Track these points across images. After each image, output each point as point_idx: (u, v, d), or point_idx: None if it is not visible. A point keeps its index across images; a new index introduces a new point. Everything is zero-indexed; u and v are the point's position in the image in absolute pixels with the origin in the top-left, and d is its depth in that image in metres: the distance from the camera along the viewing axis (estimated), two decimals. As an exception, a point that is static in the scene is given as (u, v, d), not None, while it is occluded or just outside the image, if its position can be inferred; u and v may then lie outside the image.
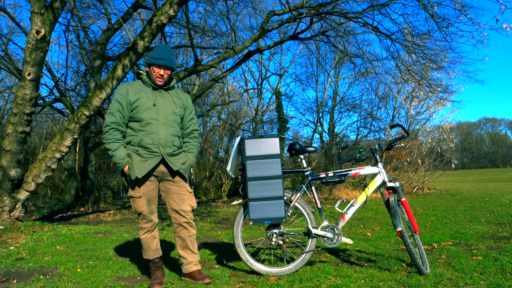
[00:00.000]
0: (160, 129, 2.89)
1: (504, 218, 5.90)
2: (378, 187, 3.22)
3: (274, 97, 16.49)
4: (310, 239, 3.14)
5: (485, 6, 30.59)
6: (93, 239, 4.93)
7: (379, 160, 3.25)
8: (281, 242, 3.14)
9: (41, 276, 3.17)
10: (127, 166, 2.87)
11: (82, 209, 8.22)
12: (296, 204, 3.18)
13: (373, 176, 3.24)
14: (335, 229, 3.14)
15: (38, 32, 4.90)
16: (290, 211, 3.16)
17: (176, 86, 3.29)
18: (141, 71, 3.03)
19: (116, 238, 5.00)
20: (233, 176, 3.41)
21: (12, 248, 4.29)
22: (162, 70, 2.94)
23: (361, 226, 5.79)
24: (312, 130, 17.92)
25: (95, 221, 6.95)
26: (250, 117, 16.60)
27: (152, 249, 2.99)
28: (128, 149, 2.90)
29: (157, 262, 3.00)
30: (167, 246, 4.34)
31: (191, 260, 3.00)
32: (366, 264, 3.36)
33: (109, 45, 9.84)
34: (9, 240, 4.63)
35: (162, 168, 2.93)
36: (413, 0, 6.99)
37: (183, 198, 2.98)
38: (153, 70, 2.95)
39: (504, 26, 6.47)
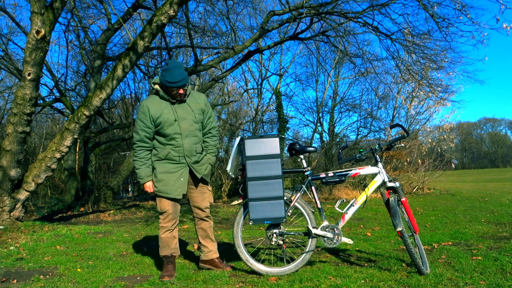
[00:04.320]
0: (184, 142, 3.15)
1: (504, 218, 5.90)
2: (378, 187, 3.22)
3: (274, 97, 16.49)
4: (310, 239, 3.14)
5: (485, 6, 30.62)
6: (93, 239, 4.92)
7: (379, 160, 3.25)
8: (281, 242, 3.14)
9: (41, 276, 3.17)
10: (150, 184, 3.18)
11: (82, 209, 8.22)
12: (296, 204, 3.18)
13: (373, 176, 3.24)
14: (335, 229, 3.14)
15: (38, 32, 4.90)
16: (290, 211, 3.16)
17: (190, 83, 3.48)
18: (157, 88, 3.17)
19: (116, 238, 5.00)
20: (233, 176, 3.42)
21: (12, 248, 4.28)
22: (180, 89, 3.13)
23: (361, 226, 5.79)
24: (312, 130, 17.93)
25: (95, 221, 6.95)
26: (250, 117, 16.59)
27: (171, 248, 3.20)
28: (157, 163, 3.17)
29: (170, 257, 3.20)
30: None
31: (212, 249, 3.33)
32: (366, 264, 3.36)
33: (109, 45, 9.85)
34: (9, 240, 4.63)
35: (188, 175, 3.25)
36: (413, 0, 6.99)
37: (204, 197, 3.32)
38: (171, 90, 3.12)
39: (504, 26, 6.47)
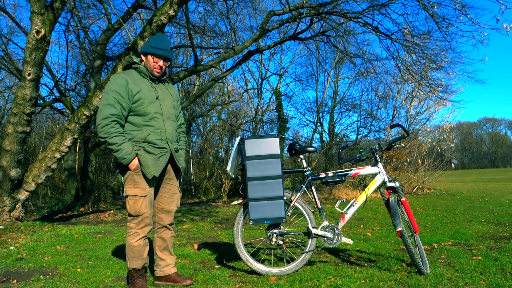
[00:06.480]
0: (166, 124, 2.72)
1: (504, 218, 5.90)
2: (378, 187, 3.22)
3: (274, 97, 16.48)
4: (310, 239, 3.14)
5: (485, 6, 30.69)
6: (93, 239, 4.92)
7: (379, 160, 3.25)
8: (281, 242, 3.14)
9: (41, 276, 3.17)
10: (134, 162, 2.61)
11: (82, 209, 8.22)
12: (296, 204, 3.18)
13: (373, 176, 3.24)
14: (335, 229, 3.14)
15: (38, 32, 4.90)
16: (290, 211, 3.16)
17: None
18: (136, 61, 2.76)
19: (116, 238, 5.00)
20: (233, 176, 3.41)
21: (12, 248, 4.28)
22: (162, 61, 2.74)
23: (361, 226, 5.79)
24: (312, 130, 17.92)
25: (95, 221, 6.95)
26: (250, 117, 16.60)
27: (143, 257, 2.72)
28: (133, 146, 2.64)
29: (141, 270, 2.73)
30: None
31: (170, 262, 2.88)
32: (366, 264, 3.36)
33: (109, 45, 9.85)
34: (9, 240, 4.63)
35: (167, 166, 2.81)
36: (413, 0, 6.99)
37: (174, 198, 2.89)
38: (151, 59, 2.73)
39: (504, 26, 6.47)
